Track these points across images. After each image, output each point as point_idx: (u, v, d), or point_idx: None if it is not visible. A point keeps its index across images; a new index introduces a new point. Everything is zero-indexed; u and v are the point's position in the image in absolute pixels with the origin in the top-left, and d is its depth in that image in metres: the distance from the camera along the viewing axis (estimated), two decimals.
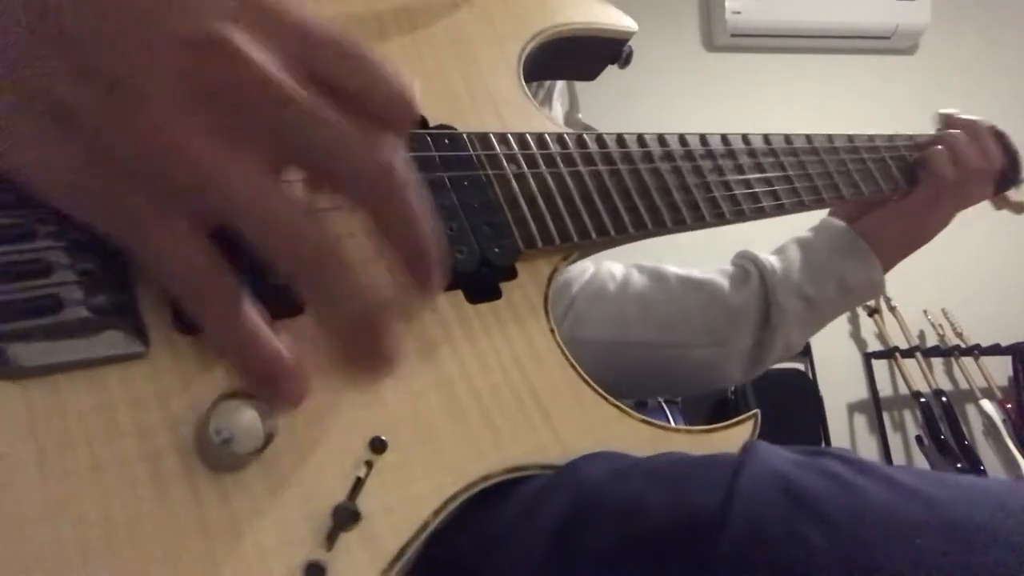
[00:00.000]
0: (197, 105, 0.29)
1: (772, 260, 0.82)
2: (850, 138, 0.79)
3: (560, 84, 0.83)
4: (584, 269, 0.85)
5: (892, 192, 0.80)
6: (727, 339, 0.80)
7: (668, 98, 2.72)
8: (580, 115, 0.86)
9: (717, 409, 2.15)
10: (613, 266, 0.85)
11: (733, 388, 2.20)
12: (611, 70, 0.71)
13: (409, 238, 0.34)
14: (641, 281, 0.83)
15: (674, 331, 0.79)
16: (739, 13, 2.80)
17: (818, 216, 0.82)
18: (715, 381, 0.84)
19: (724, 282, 0.81)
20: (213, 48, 0.29)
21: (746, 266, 0.83)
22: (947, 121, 0.87)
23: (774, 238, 0.88)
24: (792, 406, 2.43)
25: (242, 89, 0.29)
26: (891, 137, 0.85)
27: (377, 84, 0.33)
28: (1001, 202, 0.94)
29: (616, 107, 2.00)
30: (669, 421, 1.69)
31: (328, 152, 0.31)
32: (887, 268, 0.82)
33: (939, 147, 0.81)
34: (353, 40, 0.33)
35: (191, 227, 0.30)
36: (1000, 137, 0.89)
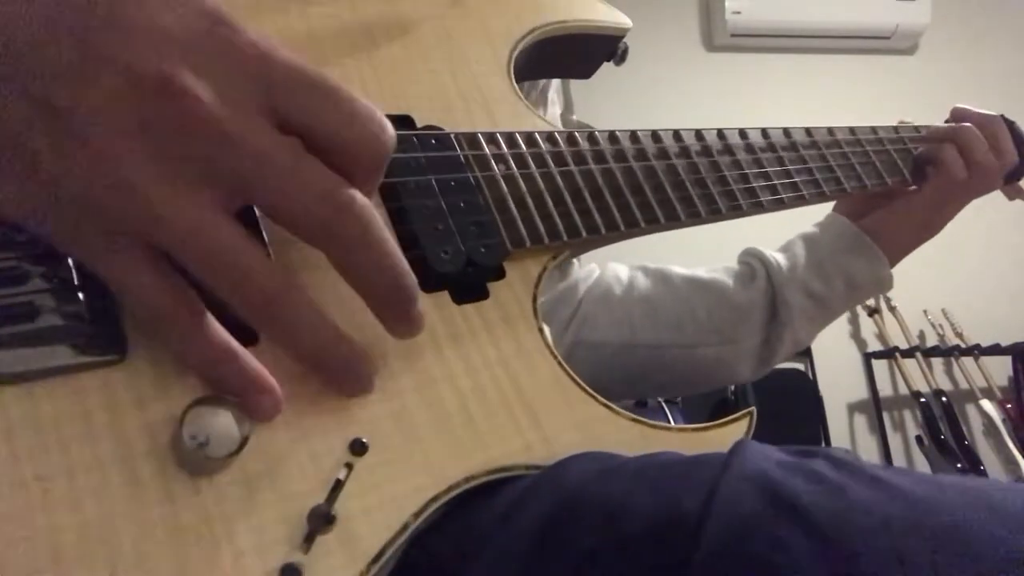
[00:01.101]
0: (144, 141, 0.29)
1: (778, 257, 0.82)
2: (852, 130, 0.78)
3: (555, 84, 0.82)
4: (590, 271, 0.85)
5: (897, 185, 0.79)
6: (735, 337, 0.80)
7: (668, 98, 2.73)
8: (575, 116, 0.85)
9: (717, 409, 2.15)
10: (618, 268, 0.85)
11: (733, 388, 2.20)
12: (609, 69, 0.71)
13: (369, 283, 0.34)
14: (647, 283, 0.83)
15: (682, 331, 0.79)
16: (739, 13, 2.80)
17: (816, 212, 0.82)
18: (724, 380, 0.84)
19: (730, 281, 0.81)
20: (161, 85, 0.29)
21: (752, 264, 0.83)
22: (961, 115, 0.86)
23: (773, 237, 0.88)
24: (792, 406, 2.43)
25: (189, 128, 0.29)
26: (896, 129, 0.84)
27: (348, 124, 0.32)
28: (1013, 192, 0.93)
29: (615, 107, 2.00)
30: (669, 421, 1.68)
31: (277, 195, 0.31)
32: (893, 263, 0.82)
33: (950, 146, 0.81)
34: (320, 77, 0.32)
35: (146, 257, 0.31)
36: (1010, 126, 0.88)
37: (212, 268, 0.31)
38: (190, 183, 0.30)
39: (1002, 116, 0.89)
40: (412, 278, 0.35)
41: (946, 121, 0.88)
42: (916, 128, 0.85)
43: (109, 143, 0.29)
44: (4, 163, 0.29)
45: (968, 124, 0.83)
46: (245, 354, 0.33)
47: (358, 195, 0.32)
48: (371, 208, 0.33)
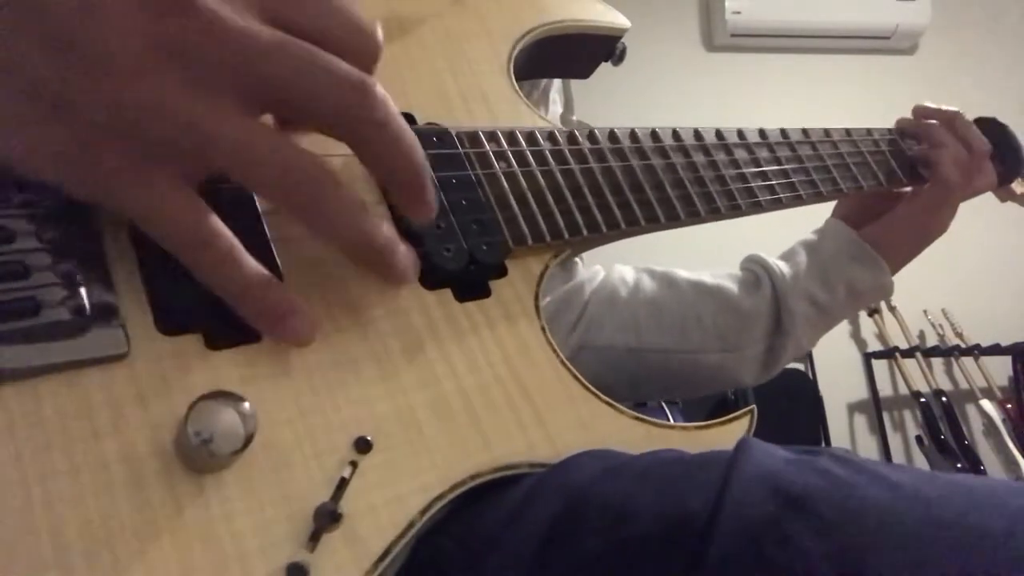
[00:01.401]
0: (164, 61, 0.29)
1: (781, 265, 0.82)
2: (848, 131, 0.78)
3: (557, 83, 0.82)
4: (595, 273, 0.85)
5: (892, 185, 0.80)
6: (739, 344, 0.80)
7: (668, 98, 2.73)
8: (575, 117, 0.85)
9: (717, 408, 2.14)
10: (624, 270, 0.85)
11: (733, 389, 2.20)
12: (609, 69, 0.71)
13: (395, 157, 0.35)
14: (652, 286, 0.83)
15: (687, 337, 0.79)
16: (739, 13, 2.80)
17: (816, 212, 0.82)
18: (727, 385, 0.84)
19: (735, 287, 0.81)
20: (173, 3, 0.29)
21: (756, 271, 0.83)
22: (923, 113, 0.87)
23: (773, 237, 0.88)
24: (792, 406, 2.42)
25: (205, 39, 0.30)
26: (890, 130, 0.84)
27: (342, 25, 0.34)
28: (1006, 194, 0.93)
29: (616, 107, 2.00)
30: (669, 419, 1.68)
31: (299, 87, 0.32)
32: (894, 271, 0.82)
33: (943, 151, 0.81)
34: None
35: (177, 182, 0.31)
36: (1003, 129, 0.88)
37: (258, 164, 0.32)
38: (216, 91, 0.30)
39: (994, 119, 0.89)
40: (426, 158, 0.37)
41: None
42: (888, 131, 0.85)
43: (129, 59, 0.29)
44: (24, 109, 0.29)
45: (934, 122, 0.84)
46: (277, 281, 0.34)
47: (374, 80, 0.34)
48: (386, 93, 0.34)
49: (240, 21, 0.31)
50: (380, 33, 0.36)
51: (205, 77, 0.30)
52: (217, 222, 0.32)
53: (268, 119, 0.35)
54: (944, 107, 0.86)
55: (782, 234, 0.92)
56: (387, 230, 0.36)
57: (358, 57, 0.34)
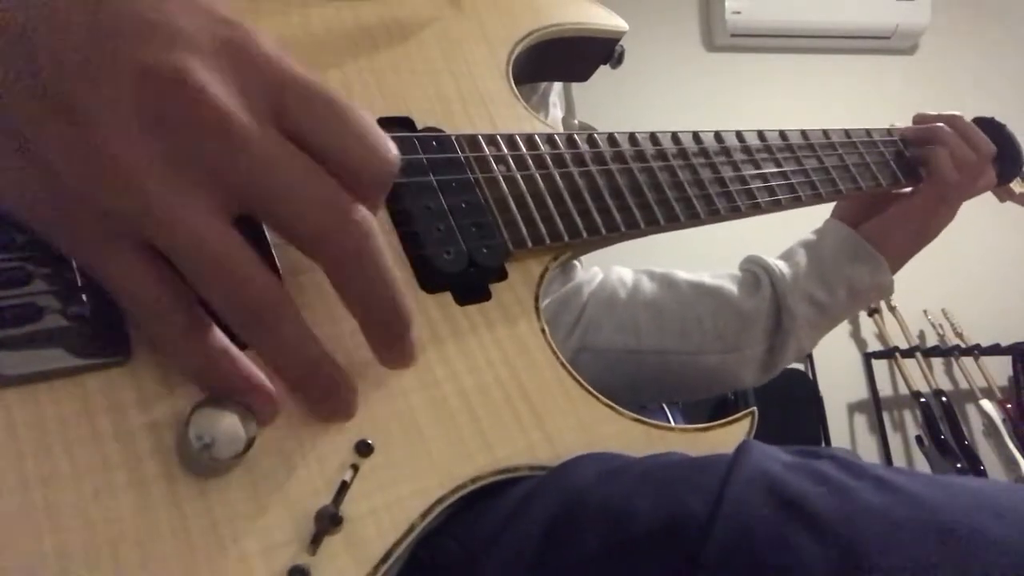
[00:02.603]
0: (151, 136, 0.28)
1: (781, 265, 0.82)
2: (847, 132, 0.78)
3: (557, 87, 0.82)
4: (594, 274, 0.85)
5: (891, 186, 0.80)
6: (739, 345, 0.80)
7: (668, 99, 2.72)
8: (576, 120, 0.85)
9: (717, 410, 2.14)
10: (623, 271, 0.85)
11: (733, 390, 2.19)
12: (609, 70, 0.71)
13: (363, 301, 0.33)
14: (652, 287, 0.83)
15: (687, 338, 0.79)
16: (739, 13, 2.79)
17: (816, 212, 0.82)
18: (728, 386, 0.84)
19: (735, 288, 0.81)
20: (174, 80, 0.28)
21: (756, 271, 0.83)
22: (923, 121, 0.87)
23: (772, 237, 0.88)
24: (792, 406, 2.42)
25: (198, 125, 0.29)
26: (889, 131, 0.85)
27: (356, 145, 0.32)
28: (1005, 194, 0.93)
29: (615, 108, 1.99)
30: (669, 421, 1.68)
31: (282, 203, 0.31)
32: (894, 270, 0.82)
33: (941, 148, 0.81)
34: (335, 95, 0.32)
35: (144, 256, 0.30)
36: (1001, 129, 0.88)
37: (207, 273, 0.30)
38: (195, 183, 0.29)
39: (992, 119, 0.89)
40: (409, 304, 0.34)
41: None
42: (888, 131, 0.85)
43: (115, 136, 0.28)
44: (5, 155, 0.29)
45: (940, 124, 0.84)
46: (240, 357, 0.33)
47: (363, 210, 0.32)
48: (375, 225, 0.32)
49: (240, 116, 0.29)
50: (398, 157, 0.33)
51: (187, 163, 0.29)
52: (179, 298, 0.31)
53: None
54: (944, 113, 0.86)
55: (782, 235, 0.92)
56: (332, 369, 0.35)
57: (362, 183, 0.32)
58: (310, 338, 0.33)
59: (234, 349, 0.33)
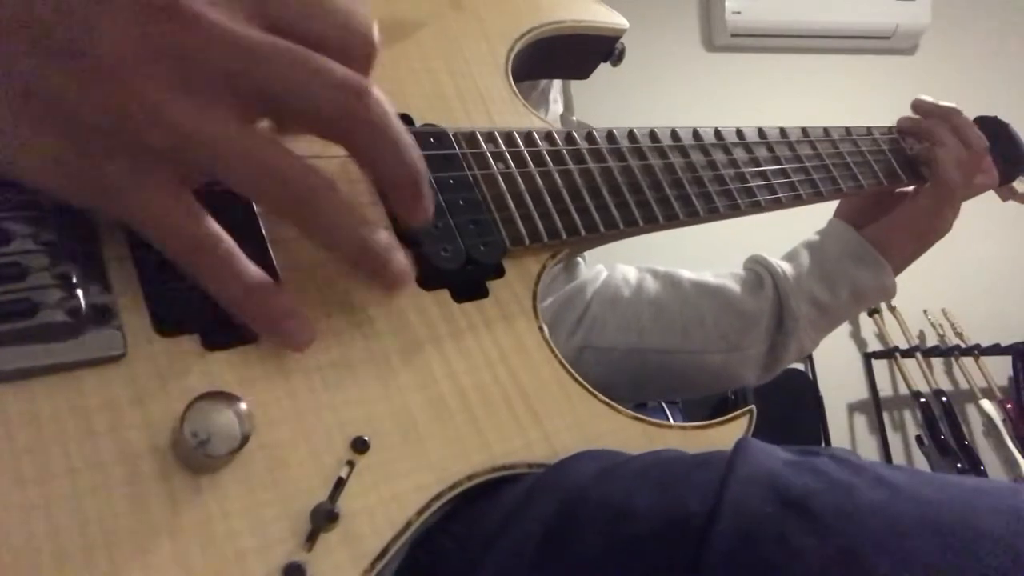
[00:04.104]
0: (161, 66, 0.29)
1: (784, 266, 0.82)
2: (848, 130, 0.78)
3: (557, 84, 0.82)
4: (598, 273, 0.85)
5: (892, 184, 0.79)
6: (741, 345, 0.80)
7: (668, 98, 2.72)
8: (575, 117, 0.85)
9: (717, 408, 2.14)
10: (626, 270, 0.85)
11: (734, 389, 2.19)
12: (609, 70, 0.71)
13: (392, 162, 0.35)
14: (655, 286, 0.83)
15: (689, 337, 0.79)
16: (739, 13, 2.79)
17: (816, 211, 0.82)
18: (729, 385, 0.84)
19: (738, 288, 0.81)
20: (169, 9, 0.29)
21: (758, 271, 0.82)
22: (921, 107, 0.87)
23: (772, 237, 0.87)
24: (792, 406, 2.42)
25: (199, 44, 0.30)
26: (891, 129, 0.84)
27: (337, 26, 0.34)
28: (1008, 193, 0.93)
29: (615, 108, 1.99)
30: (669, 420, 1.67)
31: (296, 88, 0.32)
32: (897, 272, 0.82)
33: (941, 149, 0.81)
34: None
35: (174, 188, 0.31)
36: (1006, 128, 0.88)
37: (254, 171, 0.31)
38: (214, 100, 0.30)
39: (995, 117, 0.89)
40: (423, 162, 0.36)
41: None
42: (889, 129, 0.85)
43: (128, 67, 0.29)
44: (17, 114, 0.29)
45: (937, 124, 0.84)
46: (274, 284, 0.34)
47: (371, 82, 0.33)
48: (383, 95, 0.34)
49: (231, 25, 0.31)
50: (376, 32, 0.35)
51: (199, 83, 0.30)
52: (214, 226, 0.32)
53: (266, 123, 0.35)
54: (942, 103, 0.86)
55: (784, 234, 0.92)
56: (384, 236, 0.36)
57: (352, 58, 0.34)
58: (359, 213, 0.35)
59: (267, 276, 0.34)
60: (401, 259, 0.37)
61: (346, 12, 0.34)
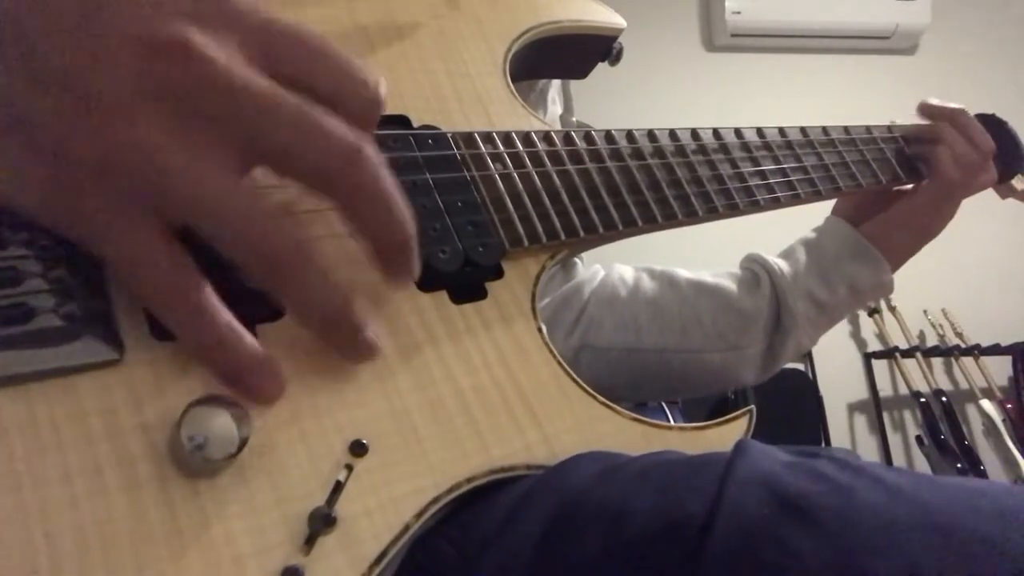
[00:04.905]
0: (156, 105, 0.29)
1: (781, 264, 0.82)
2: (846, 129, 0.78)
3: (556, 84, 0.82)
4: (595, 272, 0.85)
5: (891, 183, 0.79)
6: (739, 343, 0.80)
7: (668, 98, 2.73)
8: (575, 118, 0.85)
9: (717, 409, 2.14)
10: (623, 270, 0.85)
11: (733, 388, 2.19)
12: (609, 70, 0.71)
13: (381, 227, 0.34)
14: (652, 286, 0.83)
15: (687, 336, 0.79)
16: (739, 13, 2.80)
17: (816, 211, 0.82)
18: (728, 384, 0.84)
19: (735, 286, 0.81)
20: (170, 48, 0.29)
21: (756, 270, 0.82)
22: (927, 109, 0.87)
23: (772, 236, 0.87)
24: (792, 406, 2.42)
25: (200, 87, 0.29)
26: (890, 128, 0.84)
27: (342, 79, 0.33)
28: (1007, 191, 0.93)
29: (615, 108, 1.99)
30: (669, 420, 1.67)
31: (291, 143, 0.31)
32: (895, 268, 0.82)
33: (942, 145, 0.81)
34: (317, 37, 0.33)
35: (154, 230, 0.30)
36: (1003, 125, 0.88)
37: (233, 228, 0.31)
38: (206, 144, 0.30)
39: (993, 115, 0.89)
40: (414, 226, 0.35)
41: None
42: (889, 128, 0.85)
43: (121, 104, 0.28)
44: (7, 140, 0.29)
45: (943, 123, 0.84)
46: (248, 337, 0.33)
47: (369, 141, 0.33)
48: (379, 155, 0.33)
49: (233, 69, 0.30)
50: (383, 88, 0.34)
51: (194, 125, 0.29)
52: (185, 276, 0.31)
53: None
54: (948, 104, 0.86)
55: (782, 233, 0.92)
56: (355, 313, 0.35)
57: (356, 116, 0.33)
58: (333, 282, 0.34)
59: (242, 329, 0.33)
60: (370, 337, 0.36)
61: (353, 66, 0.34)
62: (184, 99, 0.29)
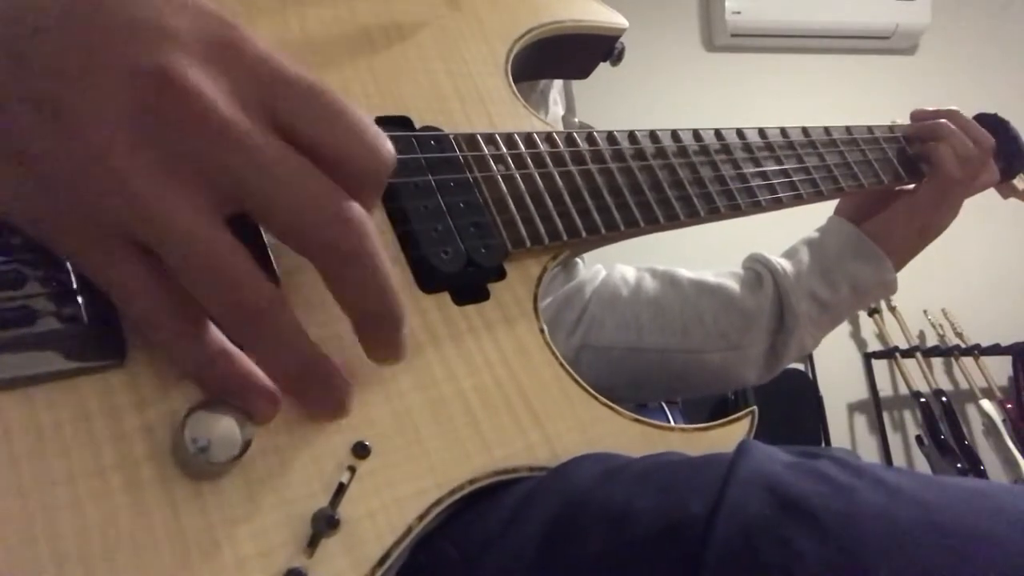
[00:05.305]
0: (142, 137, 0.28)
1: (784, 264, 0.82)
2: (848, 129, 0.78)
3: (558, 85, 0.82)
4: (596, 272, 0.85)
5: (893, 183, 0.79)
6: (742, 343, 0.79)
7: (668, 98, 2.72)
8: (577, 119, 0.85)
9: (717, 409, 2.14)
10: (625, 269, 0.85)
11: (735, 389, 2.19)
12: (610, 70, 0.71)
13: (356, 300, 0.32)
14: (654, 285, 0.83)
15: (689, 336, 0.79)
16: (739, 13, 2.80)
17: (816, 210, 0.82)
18: (730, 384, 0.84)
19: (737, 286, 0.81)
20: (163, 80, 0.28)
21: (758, 270, 0.82)
22: (921, 116, 0.87)
23: (772, 236, 0.87)
24: (792, 406, 2.42)
25: (186, 124, 0.28)
26: (891, 128, 0.84)
27: (351, 141, 0.31)
28: (1008, 190, 0.93)
29: (616, 108, 1.99)
30: (669, 421, 1.68)
31: (274, 201, 0.30)
32: (898, 268, 0.82)
33: (943, 144, 0.81)
34: (329, 91, 0.31)
35: (137, 255, 0.30)
36: (1005, 125, 0.88)
37: (197, 274, 0.29)
38: (185, 181, 0.29)
39: (995, 115, 0.89)
40: (402, 302, 0.33)
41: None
42: (890, 128, 0.85)
43: (103, 133, 0.28)
44: (2, 161, 0.28)
45: (943, 120, 0.84)
46: (239, 357, 0.32)
47: (358, 208, 0.31)
48: (370, 223, 0.31)
49: (230, 114, 0.29)
50: (393, 154, 0.32)
51: (177, 163, 0.29)
52: (176, 296, 0.30)
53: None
54: (941, 108, 0.86)
55: (784, 233, 0.92)
56: (324, 369, 0.34)
57: (359, 178, 0.31)
58: (303, 339, 0.33)
59: (233, 349, 0.32)
60: (337, 396, 0.35)
61: (363, 130, 0.31)
62: (167, 134, 0.28)
